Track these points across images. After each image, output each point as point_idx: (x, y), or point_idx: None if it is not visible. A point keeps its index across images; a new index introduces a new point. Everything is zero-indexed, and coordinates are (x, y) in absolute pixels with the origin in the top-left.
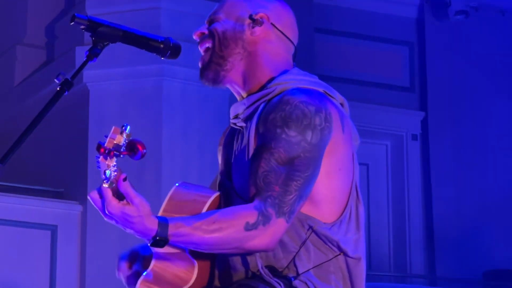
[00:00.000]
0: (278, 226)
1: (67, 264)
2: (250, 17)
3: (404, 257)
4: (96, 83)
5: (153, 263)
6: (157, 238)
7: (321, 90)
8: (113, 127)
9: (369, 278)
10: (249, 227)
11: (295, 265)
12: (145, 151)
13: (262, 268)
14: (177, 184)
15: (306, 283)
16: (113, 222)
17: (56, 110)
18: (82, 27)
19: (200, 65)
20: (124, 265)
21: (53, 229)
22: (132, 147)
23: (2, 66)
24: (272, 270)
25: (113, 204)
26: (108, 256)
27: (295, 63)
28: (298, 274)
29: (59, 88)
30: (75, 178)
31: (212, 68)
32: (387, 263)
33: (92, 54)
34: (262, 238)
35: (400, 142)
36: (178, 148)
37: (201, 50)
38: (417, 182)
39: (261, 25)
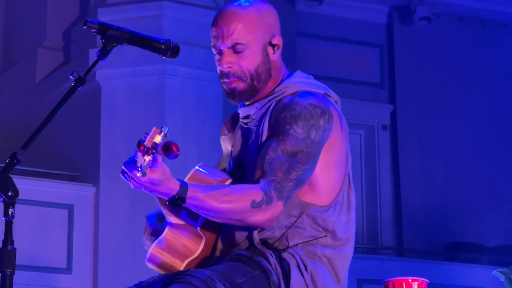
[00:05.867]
0: (277, 208)
1: (82, 238)
2: (270, 43)
3: (376, 231)
4: (107, 81)
5: (166, 231)
6: (176, 196)
7: (323, 92)
8: (154, 128)
9: None
10: (254, 205)
11: (286, 240)
12: (179, 152)
13: (257, 243)
14: (197, 167)
15: (293, 255)
16: (141, 189)
17: (72, 104)
18: (94, 30)
19: (228, 88)
20: (153, 219)
21: (70, 208)
22: (167, 148)
23: (24, 67)
24: (265, 243)
25: (142, 179)
26: (118, 231)
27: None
28: (287, 248)
29: (74, 83)
30: (89, 163)
31: (245, 96)
32: (361, 237)
33: (103, 53)
34: (262, 216)
35: (372, 132)
36: (179, 137)
37: (229, 80)
38: (387, 166)
39: (279, 49)
